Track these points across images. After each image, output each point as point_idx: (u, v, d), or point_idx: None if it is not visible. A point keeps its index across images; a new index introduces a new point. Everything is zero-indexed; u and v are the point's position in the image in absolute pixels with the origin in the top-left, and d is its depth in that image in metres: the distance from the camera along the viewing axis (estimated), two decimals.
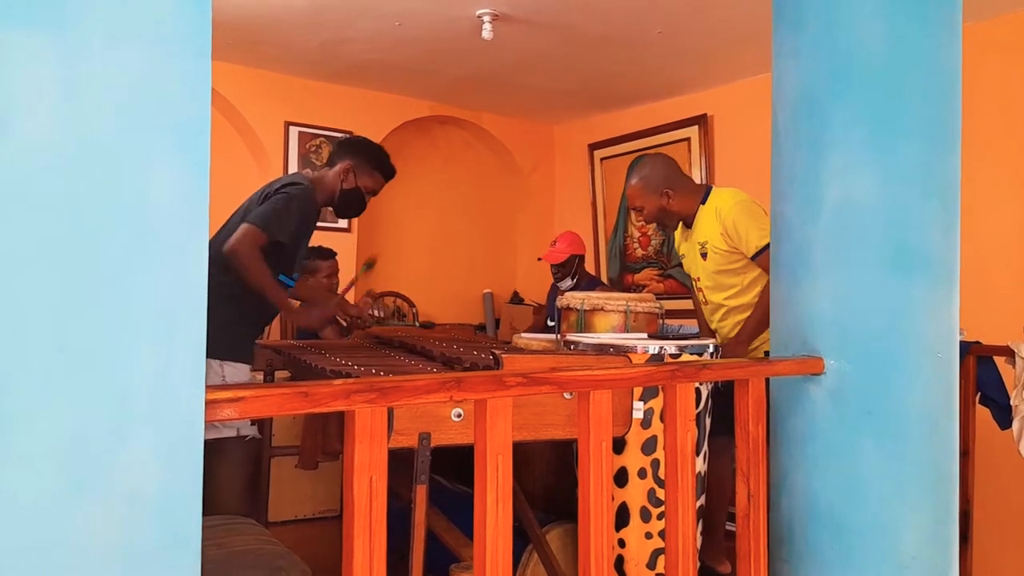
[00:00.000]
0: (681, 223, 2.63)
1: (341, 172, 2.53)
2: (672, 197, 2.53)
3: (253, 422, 2.28)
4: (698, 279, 2.61)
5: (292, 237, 2.36)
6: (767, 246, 2.19)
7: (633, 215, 5.11)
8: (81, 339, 0.73)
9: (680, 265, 2.79)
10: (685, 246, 2.66)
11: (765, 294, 2.38)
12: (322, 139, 4.53)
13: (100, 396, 0.74)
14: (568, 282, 3.76)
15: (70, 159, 0.73)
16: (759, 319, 2.38)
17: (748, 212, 2.40)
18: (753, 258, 2.40)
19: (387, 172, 2.63)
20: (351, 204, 2.60)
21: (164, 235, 0.78)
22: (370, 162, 2.58)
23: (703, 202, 2.52)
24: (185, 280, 0.79)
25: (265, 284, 2.33)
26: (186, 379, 0.79)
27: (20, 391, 0.70)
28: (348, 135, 2.68)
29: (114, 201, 0.75)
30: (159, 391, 0.77)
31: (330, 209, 2.66)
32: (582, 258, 3.87)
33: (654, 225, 4.92)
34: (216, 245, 2.33)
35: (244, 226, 2.24)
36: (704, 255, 2.53)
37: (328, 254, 3.62)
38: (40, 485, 0.71)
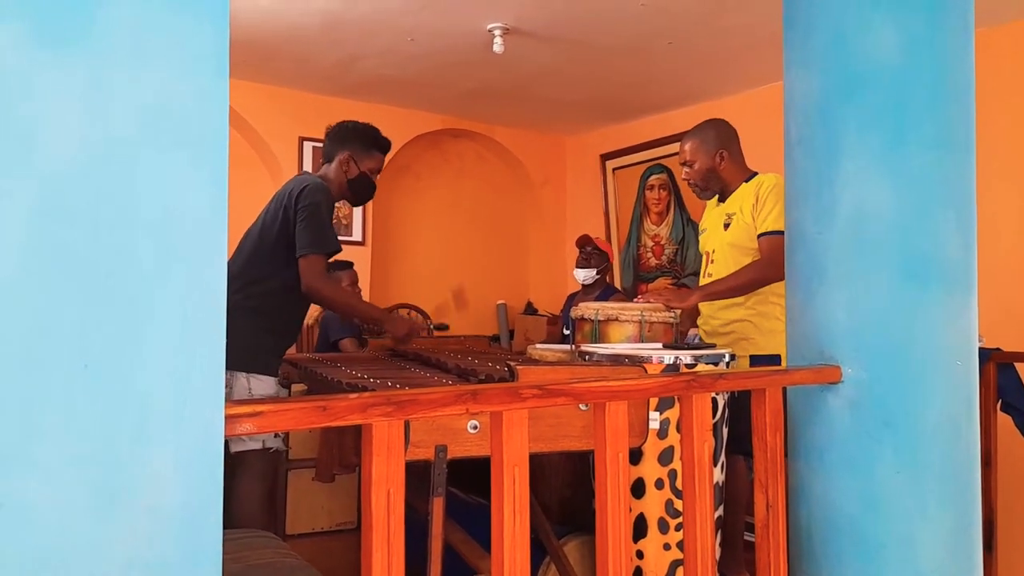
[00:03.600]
0: (718, 195, 2.61)
1: (342, 164, 2.54)
2: (724, 161, 2.51)
3: (278, 433, 2.30)
4: (712, 251, 2.58)
5: (337, 241, 2.44)
6: (779, 233, 2.16)
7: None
8: (104, 354, 0.74)
9: (694, 274, 2.79)
10: (711, 218, 2.63)
11: (750, 269, 2.36)
12: None
13: (122, 411, 0.75)
14: (588, 273, 3.68)
15: (92, 176, 0.75)
16: (731, 286, 2.36)
17: (783, 195, 2.37)
18: (760, 236, 2.37)
19: (383, 147, 2.63)
20: (362, 190, 2.62)
21: (184, 251, 0.79)
22: (365, 144, 2.58)
23: (747, 180, 2.51)
24: (205, 295, 0.81)
25: (353, 304, 2.55)
26: (206, 394, 0.80)
27: (45, 405, 0.71)
28: (336, 125, 2.66)
29: (135, 218, 0.77)
30: (179, 406, 0.78)
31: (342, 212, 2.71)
32: (609, 266, 3.85)
33: (670, 232, 4.91)
34: (238, 260, 2.36)
35: (303, 260, 2.30)
36: (727, 225, 2.50)
37: (346, 265, 3.75)
38: (63, 499, 0.72)
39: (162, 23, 0.79)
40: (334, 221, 2.83)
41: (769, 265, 2.28)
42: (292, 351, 4.12)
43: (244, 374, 2.24)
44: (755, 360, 2.37)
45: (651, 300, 2.32)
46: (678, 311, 2.29)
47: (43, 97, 0.73)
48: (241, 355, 2.10)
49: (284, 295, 2.37)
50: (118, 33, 0.77)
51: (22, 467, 0.70)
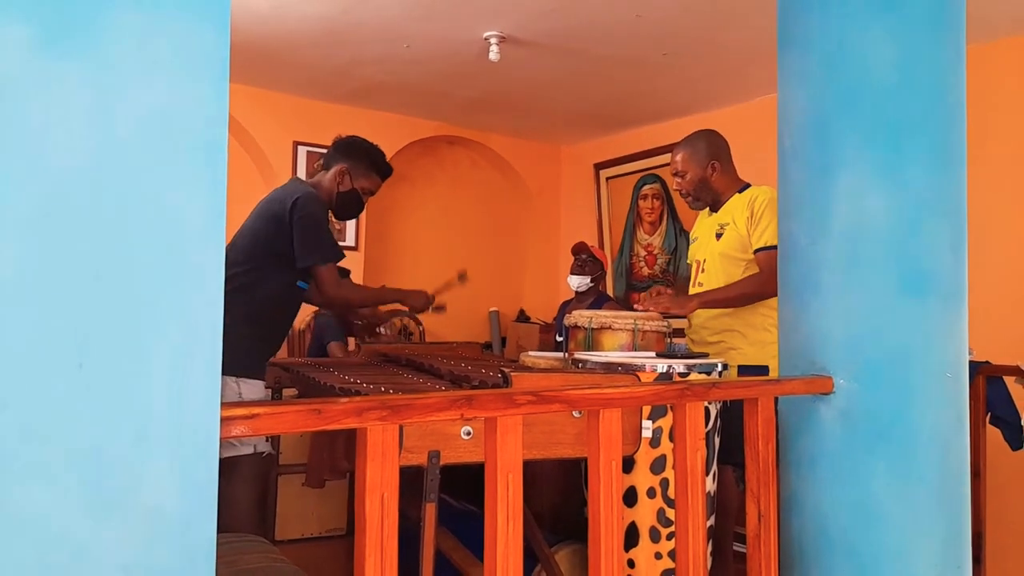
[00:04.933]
0: (709, 207, 2.61)
1: (337, 175, 2.52)
2: (716, 171, 2.51)
3: (268, 438, 2.28)
4: (703, 261, 2.57)
5: (340, 248, 2.47)
6: (775, 247, 2.18)
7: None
8: (101, 356, 0.74)
9: (685, 282, 2.78)
10: (703, 227, 2.62)
11: (750, 281, 2.36)
12: None
13: (118, 413, 0.75)
14: (582, 281, 3.69)
15: (94, 181, 0.75)
16: (728, 296, 2.36)
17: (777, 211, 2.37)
18: (756, 251, 2.38)
19: (383, 171, 2.61)
20: (349, 206, 2.60)
21: (183, 254, 0.79)
22: (365, 163, 2.56)
23: (740, 191, 2.51)
24: (203, 298, 0.80)
25: (373, 297, 2.68)
26: (202, 396, 0.80)
27: (41, 407, 0.71)
28: (346, 137, 2.65)
29: (135, 222, 0.77)
30: (176, 407, 0.78)
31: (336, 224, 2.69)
32: (603, 275, 3.86)
33: (662, 241, 4.93)
34: (226, 264, 2.34)
35: (320, 271, 2.34)
36: (719, 235, 2.50)
37: (343, 273, 3.73)
38: (59, 501, 0.71)
39: (166, 28, 0.79)
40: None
41: (769, 279, 2.29)
42: (283, 355, 4.12)
43: (234, 378, 2.23)
44: (742, 370, 2.38)
45: (650, 308, 2.31)
46: (670, 321, 2.29)
47: (47, 101, 0.73)
48: (231, 359, 2.07)
49: (273, 300, 2.36)
50: (123, 38, 0.77)
51: (18, 468, 0.70)
